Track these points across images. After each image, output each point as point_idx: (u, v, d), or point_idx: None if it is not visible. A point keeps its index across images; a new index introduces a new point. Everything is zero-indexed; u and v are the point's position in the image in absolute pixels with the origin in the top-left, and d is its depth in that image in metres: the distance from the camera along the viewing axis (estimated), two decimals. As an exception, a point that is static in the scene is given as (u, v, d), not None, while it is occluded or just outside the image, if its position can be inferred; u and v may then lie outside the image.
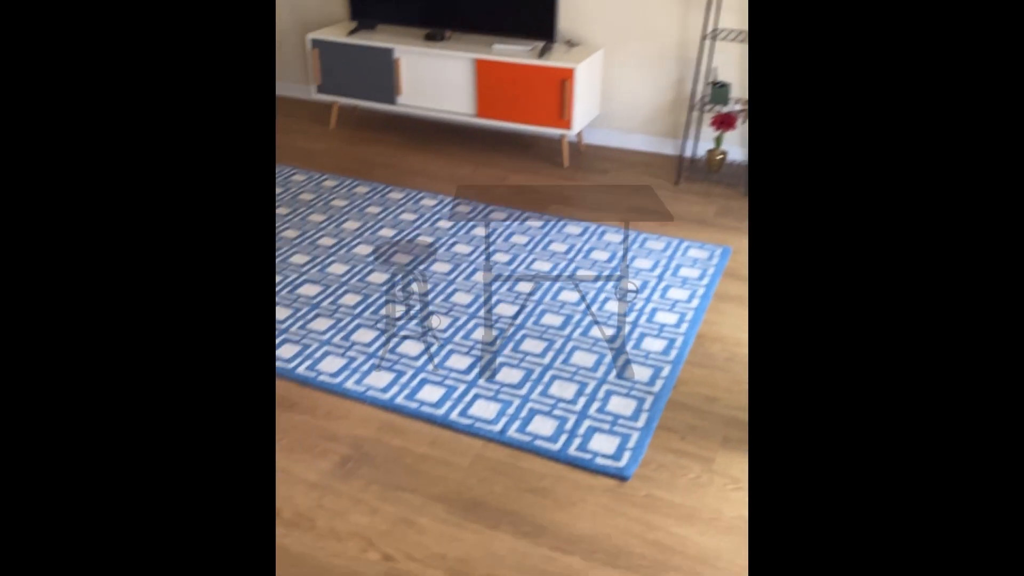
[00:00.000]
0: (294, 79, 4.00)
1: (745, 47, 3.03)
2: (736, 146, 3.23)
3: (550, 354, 2.02)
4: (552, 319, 2.17)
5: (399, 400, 1.86)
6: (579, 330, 2.12)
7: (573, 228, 2.70)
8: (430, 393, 1.88)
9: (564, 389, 1.89)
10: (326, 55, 3.39)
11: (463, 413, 1.81)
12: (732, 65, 3.09)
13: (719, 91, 2.97)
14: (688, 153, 3.33)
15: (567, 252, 2.53)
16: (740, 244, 2.60)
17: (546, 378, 1.93)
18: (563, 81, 3.02)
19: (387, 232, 2.66)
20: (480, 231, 2.67)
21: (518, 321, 2.16)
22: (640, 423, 1.78)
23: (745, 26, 3.00)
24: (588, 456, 1.69)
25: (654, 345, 2.05)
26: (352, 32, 3.42)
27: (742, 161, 3.24)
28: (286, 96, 4.07)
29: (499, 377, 1.93)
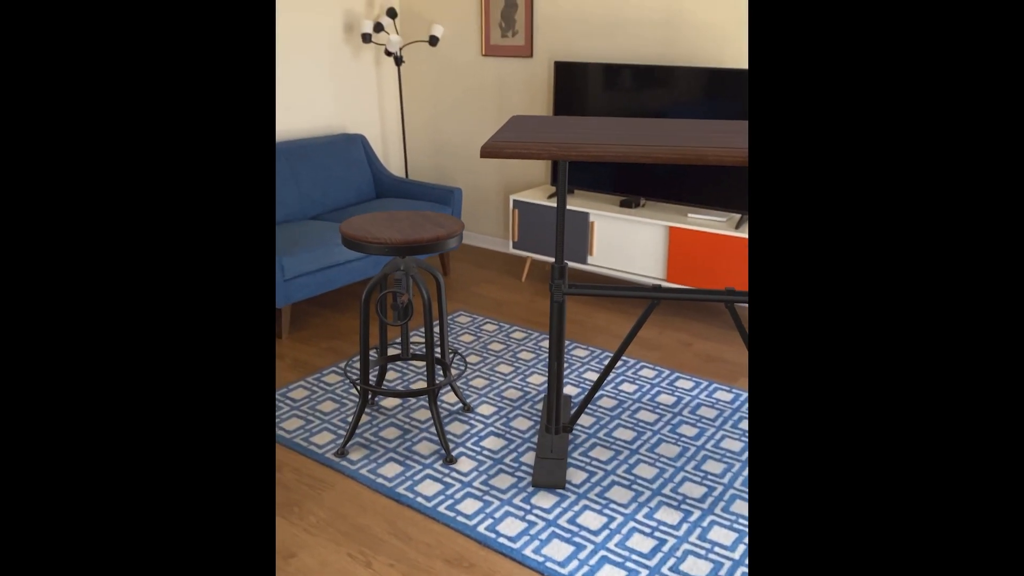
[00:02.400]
0: (494, 233, 4.31)
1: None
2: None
3: (740, 547, 1.87)
4: (743, 507, 2.02)
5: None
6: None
7: (765, 406, 2.56)
8: (610, 575, 1.79)
9: (758, 593, 1.72)
10: (525, 214, 3.63)
11: (645, 604, 1.70)
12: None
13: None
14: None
15: (759, 432, 2.39)
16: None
17: (736, 574, 1.77)
18: (759, 253, 2.99)
19: (571, 390, 2.68)
20: (666, 399, 2.61)
21: (705, 505, 2.03)
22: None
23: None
24: None
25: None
26: (551, 196, 3.66)
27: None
28: (485, 248, 4.37)
29: (684, 567, 1.80)
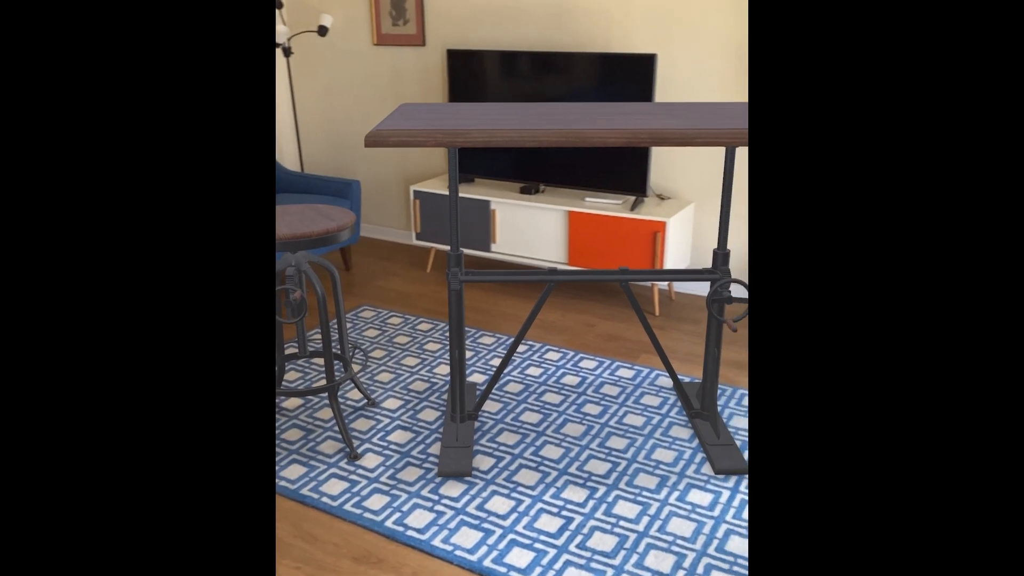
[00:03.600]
0: (397, 225, 4.25)
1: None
2: (834, 299, 3.15)
3: (645, 519, 1.92)
4: (647, 480, 2.08)
5: (486, 563, 1.79)
6: (675, 493, 2.02)
7: (665, 380, 2.65)
8: (519, 557, 1.80)
9: (661, 561, 1.78)
10: (426, 205, 3.60)
11: (553, 582, 1.72)
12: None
13: (814, 245, 2.94)
14: (783, 304, 3.27)
15: (660, 406, 2.47)
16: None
17: (641, 547, 1.82)
18: (655, 233, 3.08)
19: (478, 378, 2.68)
20: (571, 379, 2.65)
21: (610, 481, 2.08)
22: (745, 606, 1.64)
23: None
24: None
25: (757, 515, 1.93)
26: (452, 184, 3.64)
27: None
28: (388, 240, 4.30)
29: (591, 543, 1.84)
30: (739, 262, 3.32)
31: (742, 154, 3.19)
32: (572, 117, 1.87)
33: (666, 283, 3.47)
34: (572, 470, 2.13)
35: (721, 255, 2.05)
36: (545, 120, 1.83)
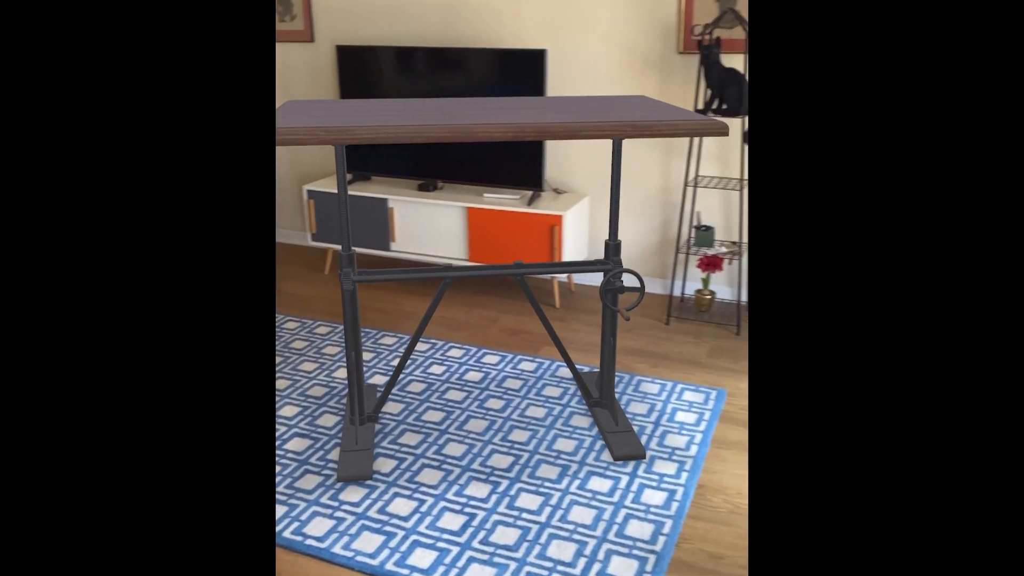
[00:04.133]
0: (291, 227, 4.12)
1: (726, 193, 3.16)
2: (724, 286, 3.29)
3: (547, 510, 1.94)
4: (549, 470, 2.10)
5: (388, 566, 1.76)
6: (576, 482, 2.05)
7: (567, 371, 2.68)
8: (422, 558, 1.79)
9: (563, 550, 1.80)
10: (321, 205, 3.51)
11: (456, 579, 1.71)
12: (715, 209, 3.20)
13: (703, 234, 3.06)
14: (677, 293, 3.38)
15: (560, 397, 2.50)
16: (735, 387, 2.58)
17: (543, 538, 1.84)
18: (552, 227, 3.12)
19: (380, 379, 2.64)
20: (474, 375, 2.65)
21: (512, 474, 2.09)
22: (644, 587, 1.69)
23: (724, 173, 3.14)
24: (590, 627, 1.58)
25: (654, 498, 1.98)
26: (348, 183, 3.56)
27: (731, 300, 3.29)
28: (283, 242, 4.17)
29: (494, 538, 1.85)
30: (630, 252, 3.41)
31: (629, 147, 3.27)
32: (460, 112, 1.86)
33: (565, 275, 3.52)
34: (475, 466, 2.13)
35: (612, 246, 2.09)
36: (432, 115, 1.81)
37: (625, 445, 2.14)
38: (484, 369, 2.70)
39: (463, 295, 3.43)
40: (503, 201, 3.26)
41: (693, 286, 3.35)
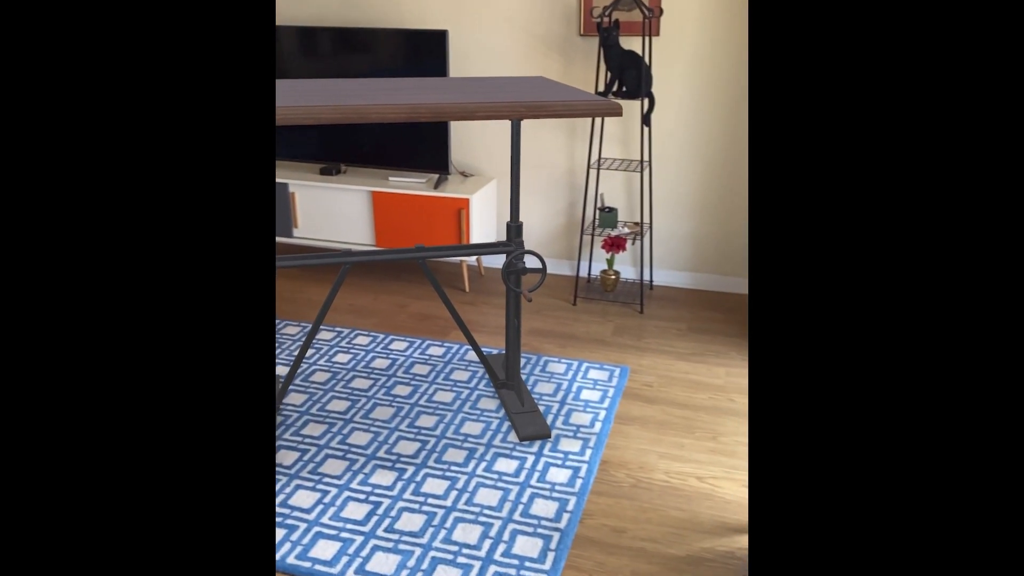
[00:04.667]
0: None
1: (628, 174, 3.23)
2: (628, 266, 3.36)
3: (453, 494, 1.94)
4: (455, 454, 2.10)
5: (290, 560, 1.72)
6: (482, 464, 2.06)
7: (475, 355, 2.68)
8: (324, 549, 1.75)
9: (468, 533, 1.81)
10: (219, 190, 3.36)
11: (360, 569, 1.69)
12: (618, 191, 3.26)
13: (607, 216, 3.11)
14: (583, 273, 3.43)
15: (468, 380, 2.50)
16: (637, 363, 2.65)
17: (448, 522, 1.84)
18: (459, 210, 3.10)
19: (283, 370, 2.56)
20: (381, 363, 2.61)
21: (419, 460, 2.08)
22: (547, 565, 1.71)
23: (627, 155, 3.20)
24: (495, 607, 1.59)
25: (559, 476, 2.01)
26: (246, 167, 3.42)
27: (634, 280, 3.37)
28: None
29: (399, 525, 1.83)
30: (537, 235, 3.43)
31: (534, 130, 3.28)
32: (355, 93, 1.81)
33: (475, 259, 3.52)
34: (381, 454, 2.11)
35: (514, 227, 2.10)
36: (327, 96, 1.76)
37: (531, 425, 2.16)
38: (392, 356, 2.67)
39: (371, 282, 3.37)
40: (409, 185, 3.22)
41: (599, 267, 3.41)
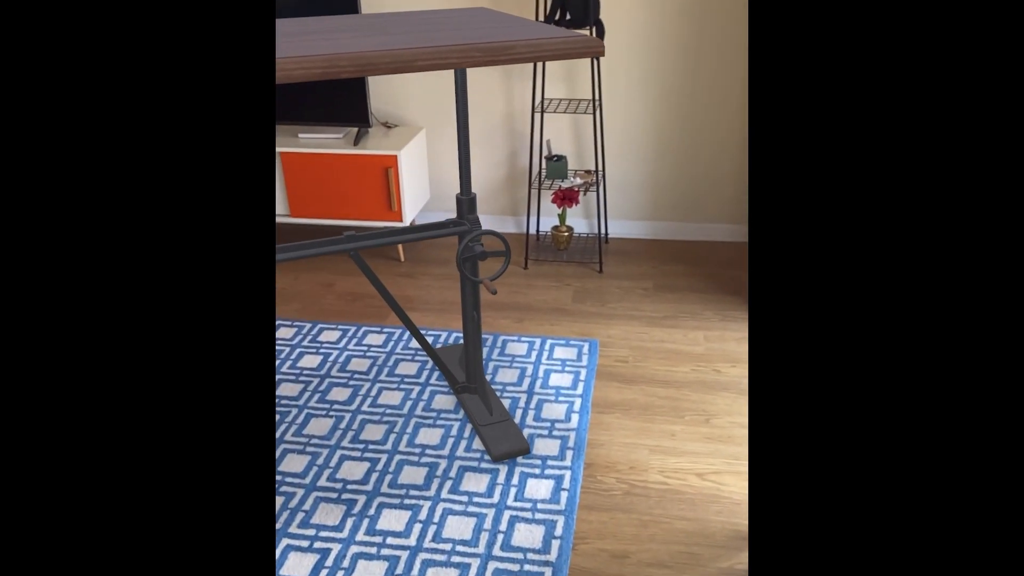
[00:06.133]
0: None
1: (576, 117, 2.85)
2: (581, 219, 3.03)
3: (416, 528, 1.61)
4: (413, 474, 1.76)
5: None
6: (447, 485, 1.73)
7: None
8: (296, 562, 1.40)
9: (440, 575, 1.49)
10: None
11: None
12: (565, 136, 2.90)
13: (556, 165, 2.75)
14: (533, 231, 3.08)
15: (418, 374, 2.15)
16: (605, 334, 2.35)
17: (416, 567, 1.52)
18: (387, 169, 2.67)
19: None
20: (311, 360, 2.22)
21: (369, 486, 1.73)
22: (543, 613, 1.42)
23: (573, 95, 2.82)
24: None
25: (540, 490, 1.71)
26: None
27: (590, 234, 3.04)
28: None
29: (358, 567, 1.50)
30: (477, 189, 3.04)
31: (475, 74, 2.85)
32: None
33: (409, 223, 3.11)
34: (322, 483, 1.75)
35: (466, 202, 1.70)
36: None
37: (504, 440, 1.83)
38: (323, 351, 2.28)
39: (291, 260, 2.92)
40: (323, 142, 2.75)
41: (548, 221, 3.06)
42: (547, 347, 2.27)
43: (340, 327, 2.41)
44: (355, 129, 2.89)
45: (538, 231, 2.98)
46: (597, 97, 2.77)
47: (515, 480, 1.74)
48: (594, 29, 2.55)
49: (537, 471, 1.77)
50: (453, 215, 3.13)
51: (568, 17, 2.51)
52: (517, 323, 2.43)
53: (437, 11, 1.67)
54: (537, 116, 2.85)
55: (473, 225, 1.67)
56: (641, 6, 2.64)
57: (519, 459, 1.81)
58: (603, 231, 3.01)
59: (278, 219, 2.81)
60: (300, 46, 1.28)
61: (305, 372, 2.17)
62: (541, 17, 2.67)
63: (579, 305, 2.54)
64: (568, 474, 1.76)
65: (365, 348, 2.29)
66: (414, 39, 1.31)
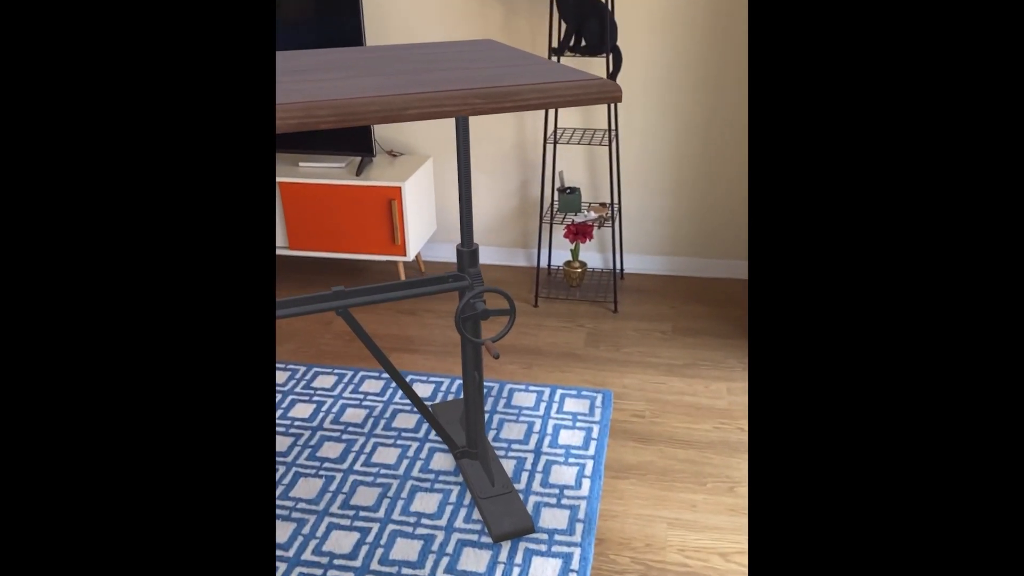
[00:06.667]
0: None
1: (590, 148, 2.70)
2: (595, 252, 2.87)
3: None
4: (406, 548, 1.61)
5: None
6: (443, 562, 1.57)
7: (423, 388, 2.17)
8: None
9: None
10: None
11: None
12: (578, 167, 2.74)
13: (568, 198, 2.60)
14: (543, 264, 2.93)
15: (416, 428, 1.99)
16: (620, 384, 2.18)
17: (406, 667, 1.35)
18: (390, 201, 2.53)
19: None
20: (303, 410, 2.07)
21: (358, 562, 1.57)
22: None
23: (588, 125, 2.67)
24: None
25: (546, 571, 1.54)
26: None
27: (604, 269, 2.88)
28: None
29: None
30: (485, 221, 2.89)
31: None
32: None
33: (413, 257, 2.97)
34: (307, 555, 1.59)
35: (467, 254, 1.55)
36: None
37: (506, 517, 1.66)
38: (316, 398, 2.13)
39: (288, 285, 2.79)
40: (325, 172, 2.62)
41: (560, 255, 2.91)
42: (557, 398, 2.11)
43: (336, 371, 2.26)
44: (358, 158, 2.75)
45: (549, 265, 2.82)
46: (613, 127, 2.61)
47: (518, 559, 1.58)
48: (611, 57, 2.41)
49: (544, 548, 1.60)
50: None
51: (584, 43, 2.36)
52: (525, 369, 2.27)
53: (440, 44, 1.53)
54: (550, 147, 2.70)
55: (474, 280, 1.51)
56: (659, 31, 2.50)
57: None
58: (618, 267, 2.85)
59: (277, 251, 2.68)
60: (282, 90, 1.13)
61: (296, 423, 2.02)
62: (556, 43, 2.53)
63: (592, 349, 2.37)
64: (577, 552, 1.59)
65: (361, 396, 2.13)
66: (409, 80, 1.17)
